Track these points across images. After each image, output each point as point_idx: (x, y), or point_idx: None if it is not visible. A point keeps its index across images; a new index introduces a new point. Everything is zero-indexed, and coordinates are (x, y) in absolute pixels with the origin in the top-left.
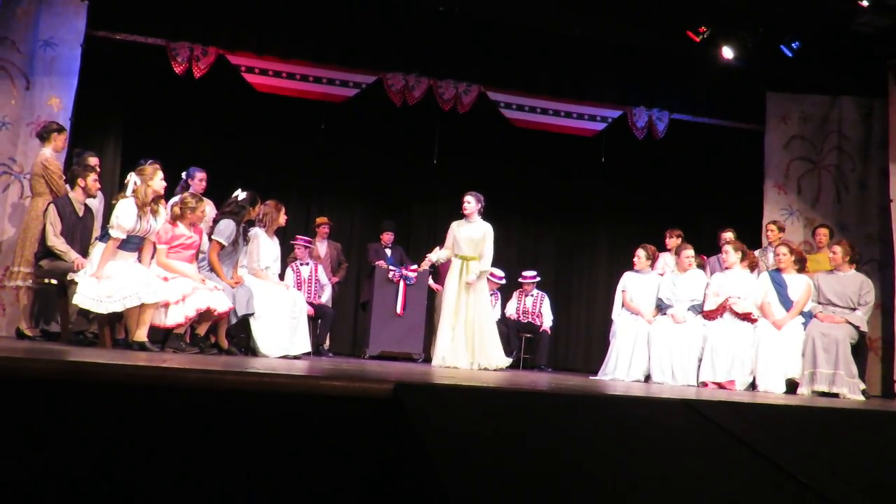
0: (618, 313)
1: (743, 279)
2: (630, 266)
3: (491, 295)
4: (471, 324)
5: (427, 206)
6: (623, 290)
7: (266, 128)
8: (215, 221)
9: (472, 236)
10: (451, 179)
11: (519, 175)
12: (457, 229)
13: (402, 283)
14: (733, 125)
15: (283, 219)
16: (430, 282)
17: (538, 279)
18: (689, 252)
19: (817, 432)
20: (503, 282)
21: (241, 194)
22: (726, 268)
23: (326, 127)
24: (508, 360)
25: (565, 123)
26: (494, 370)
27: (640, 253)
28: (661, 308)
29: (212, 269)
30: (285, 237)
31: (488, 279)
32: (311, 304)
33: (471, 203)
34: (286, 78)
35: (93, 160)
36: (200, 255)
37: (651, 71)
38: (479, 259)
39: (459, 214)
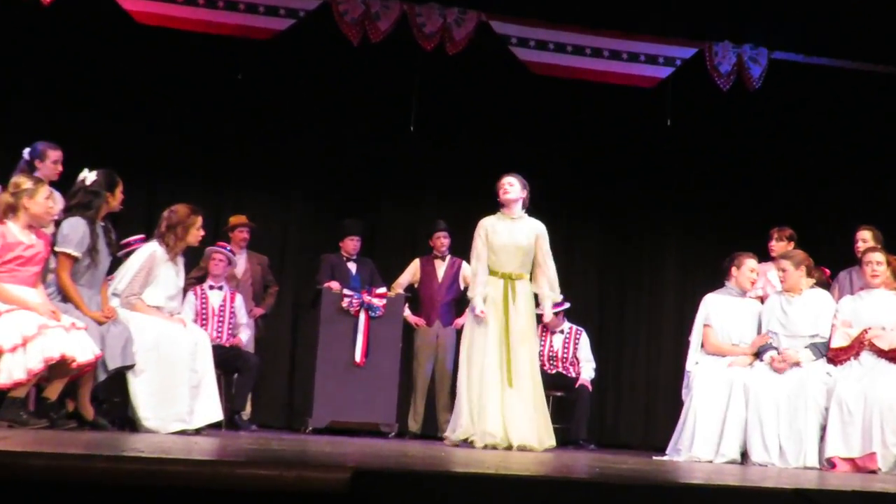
0: (696, 358)
1: (888, 303)
2: (714, 283)
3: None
4: (532, 377)
5: (402, 198)
6: (706, 324)
7: (153, 81)
8: (57, 224)
9: (518, 241)
10: (437, 157)
11: (540, 151)
12: (492, 231)
13: (362, 317)
14: (868, 69)
15: (196, 235)
16: (407, 312)
17: (567, 306)
18: (752, 263)
19: None
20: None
21: (89, 176)
22: (863, 288)
23: (245, 78)
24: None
25: (610, 69)
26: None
27: (751, 264)
28: (763, 349)
29: (66, 297)
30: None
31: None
32: (223, 348)
33: (514, 186)
34: (183, 3)
35: None
36: (50, 276)
37: None
38: (527, 278)
39: (458, 209)
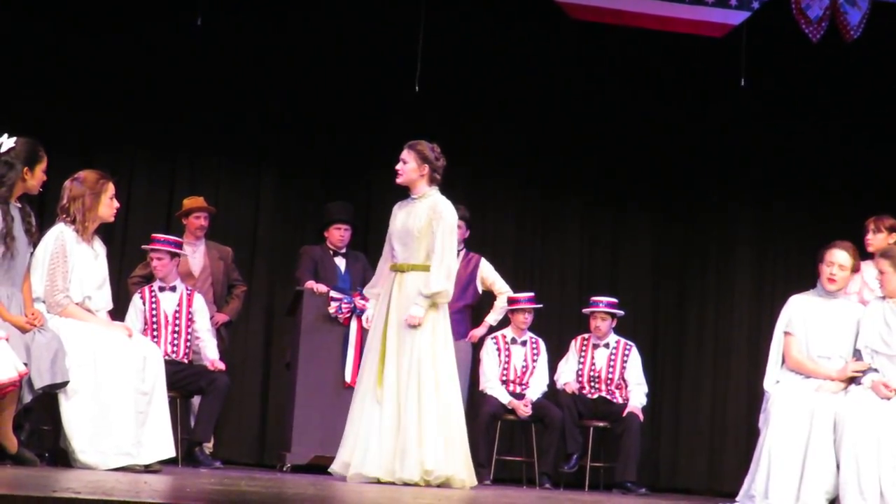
0: (776, 376)
1: None
2: (800, 285)
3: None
4: (406, 398)
5: None
6: (786, 331)
7: (86, 23)
8: None
9: (408, 225)
10: (447, 126)
11: (577, 117)
12: (393, 217)
13: (354, 326)
14: None
15: (108, 206)
16: None
17: (614, 308)
18: (835, 255)
19: None
20: (532, 306)
21: (6, 142)
22: None
23: (205, 24)
24: (474, 480)
25: (668, 13)
26: (459, 487)
27: (830, 255)
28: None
29: None
30: (112, 239)
31: (511, 309)
32: (180, 365)
33: (407, 165)
34: None
35: None
36: None
37: None
38: (424, 269)
39: (475, 190)
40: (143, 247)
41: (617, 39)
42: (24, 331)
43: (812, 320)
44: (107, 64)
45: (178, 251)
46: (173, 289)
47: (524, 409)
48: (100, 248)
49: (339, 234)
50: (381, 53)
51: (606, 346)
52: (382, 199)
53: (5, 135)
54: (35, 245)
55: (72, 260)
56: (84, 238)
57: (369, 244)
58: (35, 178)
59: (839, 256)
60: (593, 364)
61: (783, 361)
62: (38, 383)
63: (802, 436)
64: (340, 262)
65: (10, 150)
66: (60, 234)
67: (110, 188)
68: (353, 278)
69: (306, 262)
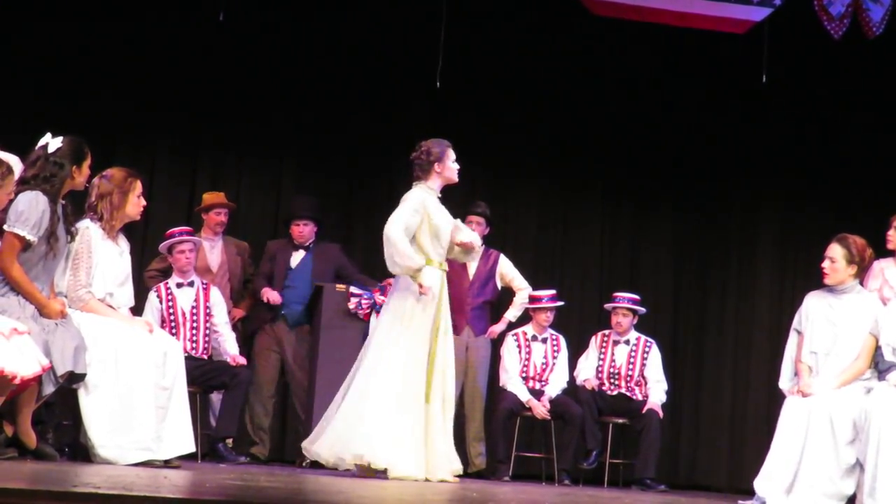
0: (790, 377)
1: None
2: (820, 280)
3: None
4: (449, 396)
5: None
6: (798, 330)
7: (107, 19)
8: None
9: (449, 226)
10: (469, 122)
11: (599, 112)
12: (435, 209)
13: (374, 321)
14: None
15: (136, 205)
16: None
17: (636, 305)
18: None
19: None
20: (554, 304)
21: (52, 142)
22: None
23: (228, 18)
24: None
25: (690, 9)
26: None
27: (832, 250)
28: (880, 368)
29: (12, 289)
30: (133, 234)
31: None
32: (199, 360)
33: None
34: None
35: None
36: None
37: None
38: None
39: (495, 187)
40: (161, 247)
41: (638, 36)
42: (54, 316)
43: (817, 317)
44: (129, 59)
45: (197, 239)
46: (190, 284)
47: (541, 410)
48: (125, 245)
49: (298, 231)
50: (403, 49)
51: (627, 342)
52: (404, 194)
53: (48, 134)
54: (71, 239)
55: (96, 256)
56: (110, 235)
57: None
58: (82, 175)
59: (831, 250)
60: (613, 360)
61: (798, 360)
62: (61, 369)
63: (821, 430)
64: (297, 257)
65: (57, 149)
66: (86, 229)
67: (138, 186)
68: (315, 272)
69: (264, 262)
